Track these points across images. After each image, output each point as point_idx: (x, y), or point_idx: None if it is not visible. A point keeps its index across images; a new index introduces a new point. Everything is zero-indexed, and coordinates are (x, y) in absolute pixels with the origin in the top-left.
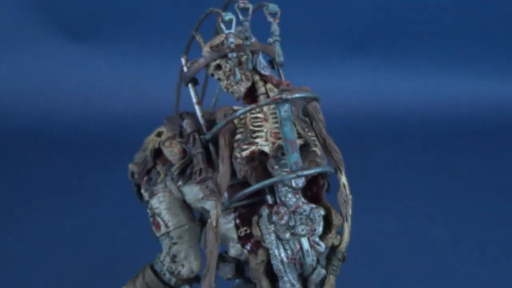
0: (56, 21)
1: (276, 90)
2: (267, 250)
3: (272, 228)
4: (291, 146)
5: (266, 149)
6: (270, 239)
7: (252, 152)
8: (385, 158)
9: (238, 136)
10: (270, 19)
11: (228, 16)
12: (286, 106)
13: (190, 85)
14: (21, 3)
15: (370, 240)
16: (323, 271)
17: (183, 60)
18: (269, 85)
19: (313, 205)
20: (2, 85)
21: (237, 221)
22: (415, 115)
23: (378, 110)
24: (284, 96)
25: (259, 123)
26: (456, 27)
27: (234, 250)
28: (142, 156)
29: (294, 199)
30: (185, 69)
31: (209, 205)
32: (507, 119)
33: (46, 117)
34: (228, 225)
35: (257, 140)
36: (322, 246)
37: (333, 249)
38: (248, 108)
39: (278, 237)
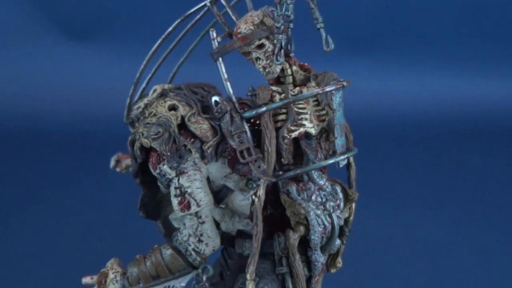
0: (56, 21)
1: (301, 71)
2: (303, 225)
3: (311, 205)
4: (340, 130)
5: (312, 131)
6: (313, 215)
7: (300, 134)
8: (385, 158)
9: (281, 117)
10: (312, 5)
11: None
12: (341, 93)
13: (220, 60)
14: (21, 3)
15: (370, 240)
16: (339, 241)
17: (213, 34)
18: (294, 67)
19: (331, 182)
20: (2, 85)
21: (253, 197)
22: (415, 115)
23: (378, 110)
24: (344, 83)
25: (302, 106)
26: (456, 27)
27: (233, 224)
28: (156, 130)
29: (320, 177)
30: (215, 43)
31: (231, 183)
32: (507, 119)
33: (45, 117)
34: (245, 201)
35: (304, 122)
36: (342, 220)
37: (345, 221)
38: (314, 92)
39: (315, 213)
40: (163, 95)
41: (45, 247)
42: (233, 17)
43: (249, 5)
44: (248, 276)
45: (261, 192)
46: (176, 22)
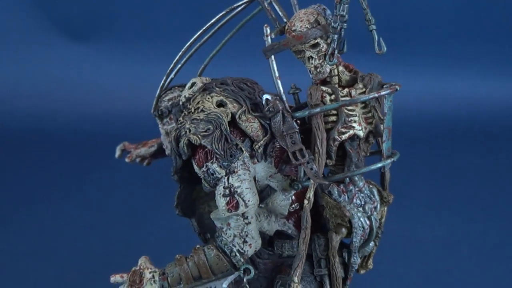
0: (56, 21)
1: (347, 72)
2: (345, 227)
3: (356, 208)
4: (389, 133)
5: (361, 133)
6: (357, 218)
7: (350, 136)
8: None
9: (332, 118)
10: (364, 5)
11: None
12: (392, 97)
13: (272, 57)
14: (22, 4)
15: None
16: (372, 243)
17: (267, 30)
18: (340, 68)
19: (368, 184)
20: (2, 85)
21: (293, 197)
22: (415, 115)
23: None
24: (397, 87)
25: (351, 108)
26: (457, 28)
27: (269, 224)
28: (206, 127)
29: (360, 179)
30: (269, 39)
31: (274, 183)
32: (508, 119)
33: (46, 117)
34: (285, 201)
35: (353, 124)
36: (378, 222)
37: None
38: (371, 96)
39: (358, 216)
40: (206, 89)
41: (45, 247)
42: (280, 13)
43: (293, 1)
44: (295, 279)
45: (311, 194)
46: (221, 14)
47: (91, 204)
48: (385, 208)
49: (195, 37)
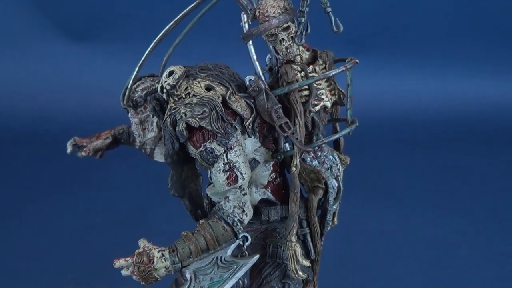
0: (56, 21)
1: (305, 51)
2: (321, 188)
3: (326, 171)
4: (351, 102)
5: (328, 104)
6: (331, 179)
7: (321, 107)
8: (385, 158)
9: (305, 93)
10: None
11: None
12: (351, 69)
13: (250, 42)
14: (21, 4)
15: (370, 240)
16: (338, 202)
17: (244, 17)
18: (300, 48)
19: (330, 149)
20: (2, 85)
21: (271, 168)
22: (416, 115)
23: (379, 110)
24: (356, 60)
25: (318, 82)
26: (457, 28)
27: (251, 195)
28: (201, 109)
29: (326, 146)
30: (246, 26)
31: (258, 156)
32: (507, 119)
33: (46, 117)
34: (265, 172)
35: (322, 96)
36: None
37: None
38: (340, 69)
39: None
40: (190, 75)
41: (45, 247)
42: (245, 1)
43: None
44: (293, 239)
45: (297, 161)
46: (191, 6)
47: (91, 204)
48: (343, 169)
49: (167, 27)
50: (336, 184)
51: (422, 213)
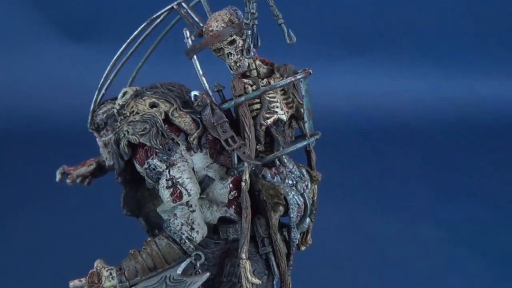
0: (56, 21)
1: (263, 65)
2: (282, 205)
3: (289, 188)
4: (309, 114)
5: (284, 117)
6: (291, 195)
7: (274, 120)
8: (385, 158)
9: (256, 106)
10: (271, 3)
11: None
12: (307, 80)
13: (195, 57)
14: (21, 3)
15: (370, 240)
16: (308, 220)
17: (187, 33)
18: (257, 62)
19: (297, 165)
20: (2, 85)
21: (230, 185)
22: (416, 115)
23: (378, 109)
24: (310, 71)
25: (272, 95)
26: (456, 28)
27: (212, 214)
28: (143, 126)
29: (289, 161)
30: (189, 41)
31: (212, 173)
32: (508, 119)
33: (45, 117)
34: (223, 190)
35: (276, 109)
36: (311, 199)
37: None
38: (288, 80)
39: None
40: (138, 95)
41: (44, 247)
42: (196, 18)
43: (205, 6)
44: (243, 256)
45: (247, 176)
46: (142, 26)
47: (91, 204)
48: (316, 187)
49: (120, 50)
50: (302, 201)
51: (422, 213)
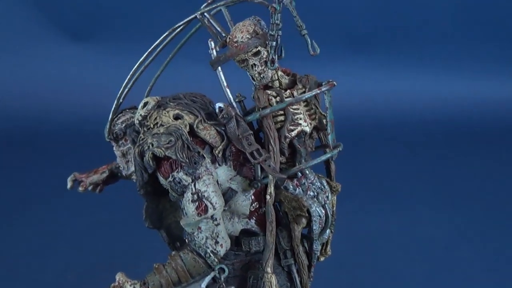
0: (56, 21)
1: (285, 76)
2: (304, 217)
3: (311, 199)
4: (332, 126)
5: (307, 129)
6: (314, 207)
7: (299, 132)
8: (385, 158)
9: (280, 118)
10: (295, 13)
11: (278, 6)
12: (331, 92)
13: (219, 69)
14: (21, 4)
15: (370, 240)
16: (328, 231)
17: (212, 44)
18: (279, 73)
19: (318, 176)
20: (2, 85)
21: (252, 197)
22: (416, 115)
23: (379, 109)
24: (334, 83)
25: (295, 107)
26: (456, 28)
27: (233, 225)
28: (168, 139)
29: (311, 173)
30: (214, 52)
31: (235, 185)
32: (508, 119)
33: (46, 117)
34: (245, 202)
35: (300, 121)
36: (331, 210)
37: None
38: (313, 92)
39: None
40: (161, 106)
41: (45, 247)
42: (218, 28)
43: (226, 16)
44: (268, 270)
45: (272, 189)
46: (164, 35)
47: (91, 204)
48: (335, 197)
49: (141, 59)
50: (323, 212)
51: (422, 213)
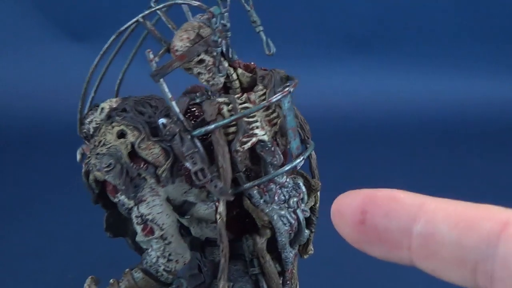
0: (56, 21)
1: (247, 74)
2: (269, 228)
3: (275, 207)
4: (293, 133)
5: (265, 137)
6: (276, 218)
7: (253, 144)
8: (385, 158)
9: (232, 129)
10: (247, 7)
11: (217, 10)
12: (289, 97)
13: (162, 81)
14: (21, 4)
15: None
16: (307, 232)
17: (150, 55)
18: (239, 70)
19: (293, 176)
20: (2, 85)
21: (217, 203)
22: (416, 115)
23: (379, 110)
24: (291, 89)
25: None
26: (456, 27)
27: (202, 229)
28: (108, 161)
29: (281, 176)
30: (154, 64)
31: (192, 197)
32: (508, 119)
33: (45, 117)
34: (209, 210)
35: (255, 131)
36: (308, 212)
37: (311, 210)
38: (261, 105)
39: (279, 215)
40: (110, 117)
41: (45, 247)
42: (170, 26)
43: (167, 21)
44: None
45: (222, 208)
46: (111, 39)
47: (91, 204)
48: (318, 193)
49: (93, 65)
50: (294, 218)
51: None
